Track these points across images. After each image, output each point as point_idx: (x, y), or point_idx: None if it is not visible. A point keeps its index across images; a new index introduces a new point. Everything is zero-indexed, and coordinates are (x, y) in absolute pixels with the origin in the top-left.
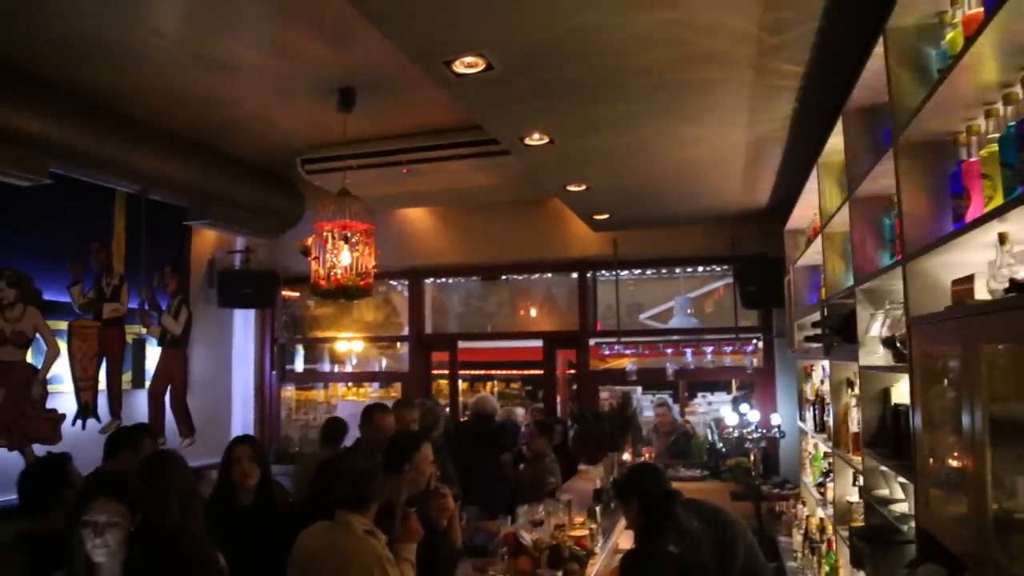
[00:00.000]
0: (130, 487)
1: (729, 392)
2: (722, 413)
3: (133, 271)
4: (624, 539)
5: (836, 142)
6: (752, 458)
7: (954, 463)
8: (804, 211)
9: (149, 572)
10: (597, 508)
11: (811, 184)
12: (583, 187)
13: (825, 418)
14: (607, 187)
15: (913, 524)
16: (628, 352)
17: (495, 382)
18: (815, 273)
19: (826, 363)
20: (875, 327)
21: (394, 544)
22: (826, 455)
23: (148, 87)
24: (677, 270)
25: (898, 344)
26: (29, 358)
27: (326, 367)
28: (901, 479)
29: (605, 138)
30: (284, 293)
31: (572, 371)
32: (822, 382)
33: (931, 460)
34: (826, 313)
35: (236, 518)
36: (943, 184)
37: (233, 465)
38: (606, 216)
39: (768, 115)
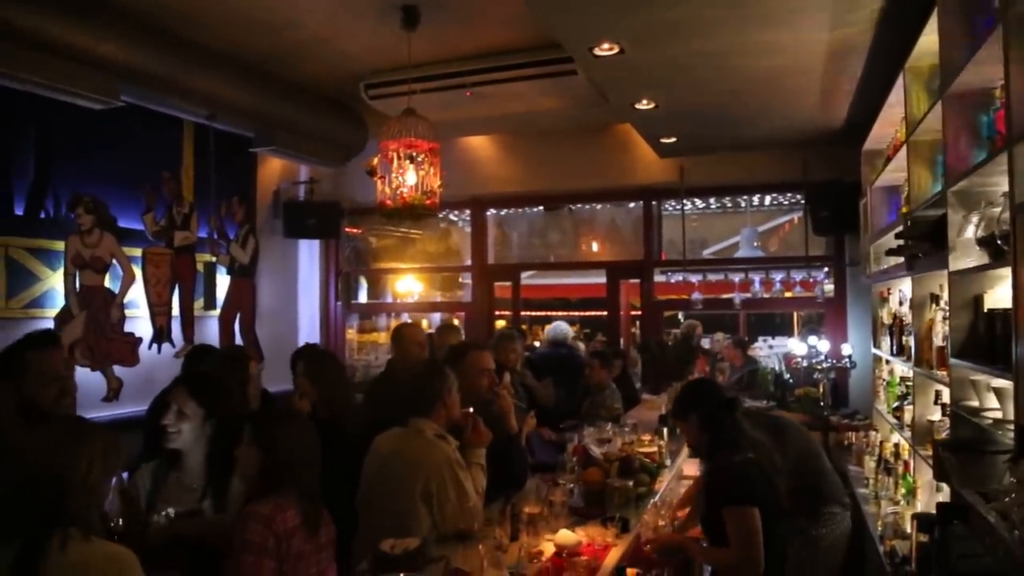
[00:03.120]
0: (210, 388)
1: (791, 336)
2: (789, 344)
3: (202, 201)
4: (688, 466)
5: (928, 41)
6: (821, 388)
7: None
8: (883, 129)
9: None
10: (664, 429)
11: (894, 96)
12: (652, 105)
13: (904, 339)
14: (677, 105)
15: (1009, 428)
16: (694, 280)
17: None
18: (894, 194)
19: (905, 285)
20: (969, 229)
21: (464, 450)
22: (902, 379)
23: (213, 11)
24: (743, 203)
25: (998, 241)
26: (107, 283)
27: (388, 301)
28: (996, 383)
29: (678, 46)
30: (347, 230)
31: (635, 311)
32: (901, 303)
33: None
34: (909, 224)
35: None
36: None
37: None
38: (673, 140)
39: (853, 14)
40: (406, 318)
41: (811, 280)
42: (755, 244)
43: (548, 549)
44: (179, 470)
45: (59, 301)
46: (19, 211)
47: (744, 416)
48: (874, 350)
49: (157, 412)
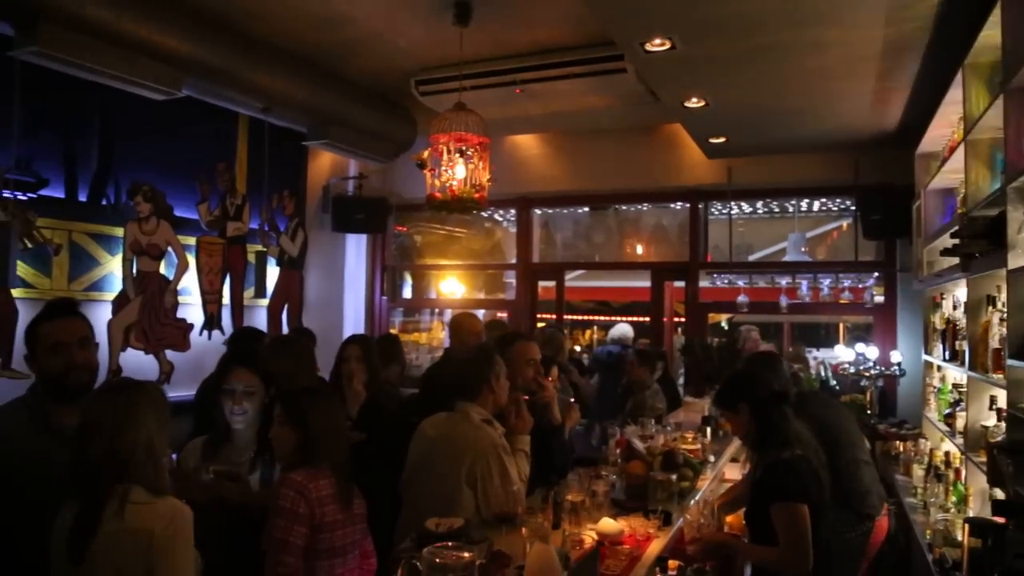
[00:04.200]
0: (264, 360)
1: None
2: (836, 351)
3: (254, 193)
4: (731, 470)
5: (989, 36)
6: (868, 396)
7: None
8: (938, 131)
9: None
10: (707, 428)
11: (952, 94)
12: (702, 103)
13: (958, 343)
14: (726, 103)
15: None
16: (740, 283)
17: (595, 328)
18: (948, 196)
19: (959, 289)
20: None
21: (509, 436)
22: (955, 386)
23: (272, 5)
24: (790, 208)
25: None
26: (162, 269)
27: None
28: None
29: (730, 42)
30: (396, 229)
31: (679, 317)
32: (955, 307)
33: None
34: (966, 223)
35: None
36: None
37: (342, 364)
38: (722, 140)
39: (910, 10)
40: (449, 315)
41: (860, 286)
42: (802, 250)
43: (589, 538)
44: (229, 444)
45: (117, 285)
46: (83, 198)
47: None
48: (925, 356)
49: (206, 395)
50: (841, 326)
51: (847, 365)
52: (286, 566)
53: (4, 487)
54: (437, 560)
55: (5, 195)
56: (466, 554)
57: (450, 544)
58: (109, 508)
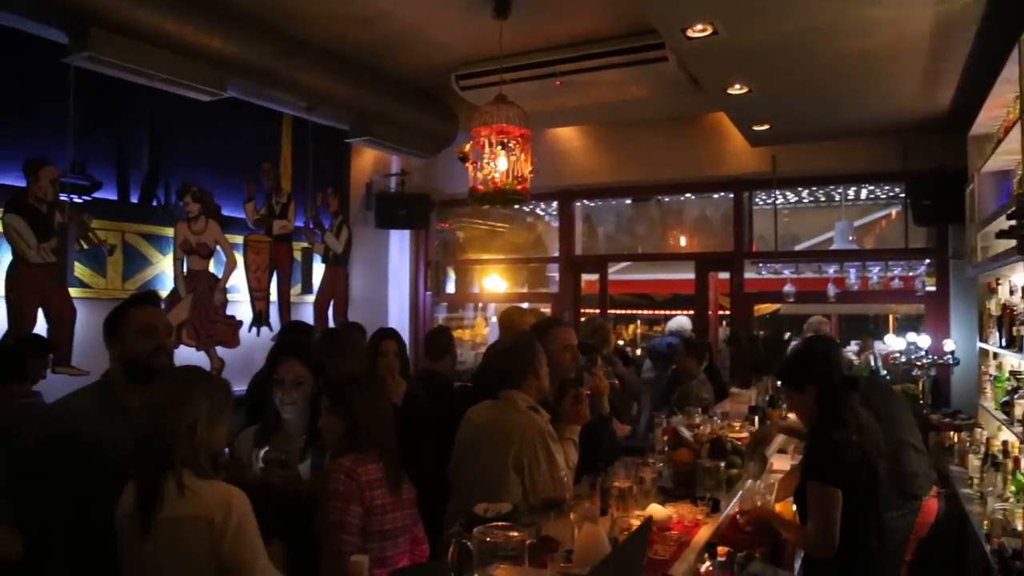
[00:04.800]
0: (312, 351)
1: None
2: (887, 340)
3: (299, 191)
4: (779, 460)
5: None
6: (920, 386)
7: None
8: (992, 111)
9: None
10: (755, 418)
11: (1007, 72)
12: (745, 89)
13: (1015, 329)
14: (770, 89)
15: None
16: (786, 273)
17: (638, 323)
18: (1003, 179)
19: (1016, 274)
20: None
21: (559, 424)
22: (1012, 373)
23: (313, 4)
24: (837, 197)
25: None
26: (211, 268)
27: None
28: None
29: (774, 26)
30: (439, 225)
31: (724, 311)
32: (1011, 292)
33: None
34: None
35: None
36: None
37: (380, 357)
38: (766, 127)
39: None
40: (492, 310)
41: (911, 275)
42: (850, 239)
43: (638, 523)
44: (280, 433)
45: (168, 284)
46: (134, 199)
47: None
48: (980, 344)
49: (258, 388)
50: (891, 318)
51: (898, 354)
52: (349, 544)
53: (84, 464)
54: (487, 539)
55: (62, 198)
56: (516, 534)
57: (500, 524)
58: (166, 490)
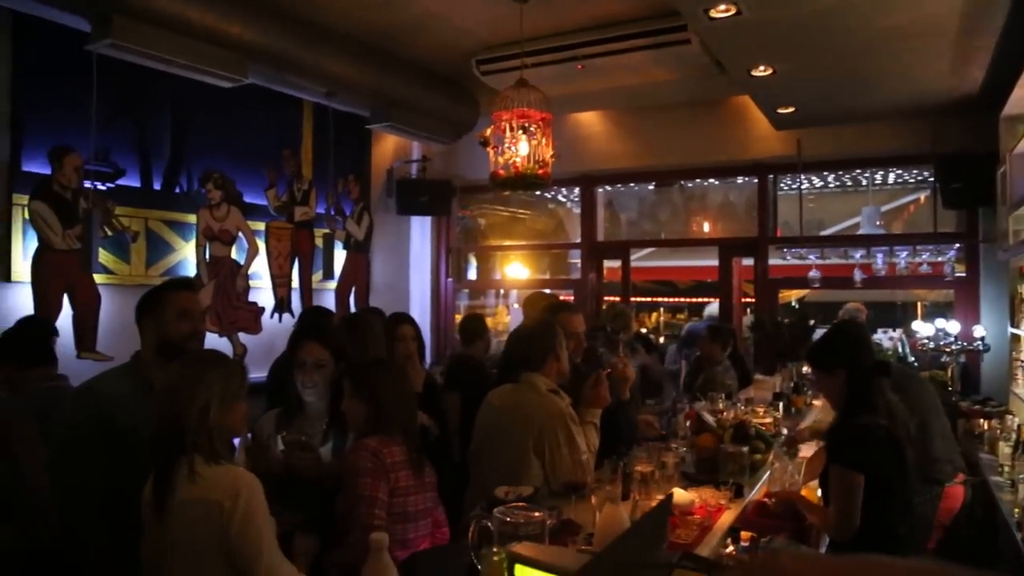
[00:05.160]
0: (333, 335)
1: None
2: (914, 326)
3: (320, 178)
4: (805, 448)
5: None
6: (949, 372)
7: None
8: None
9: None
10: (780, 403)
11: None
12: (769, 71)
13: None
14: (796, 70)
15: None
16: (812, 258)
17: (661, 310)
18: None
19: None
20: None
21: (580, 407)
22: None
23: None
24: (864, 181)
25: None
26: (233, 254)
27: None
28: None
29: (798, 4)
30: (460, 213)
31: (748, 298)
32: None
33: None
34: None
35: None
36: None
37: (398, 343)
38: (791, 110)
39: None
40: (515, 297)
41: (940, 260)
42: (877, 224)
43: None
44: (302, 416)
45: (191, 270)
46: (157, 186)
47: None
48: (1012, 329)
49: (279, 372)
50: (919, 305)
51: (926, 340)
52: (380, 519)
53: (120, 448)
54: (508, 519)
55: (86, 185)
56: (537, 513)
57: (521, 504)
58: (179, 474)
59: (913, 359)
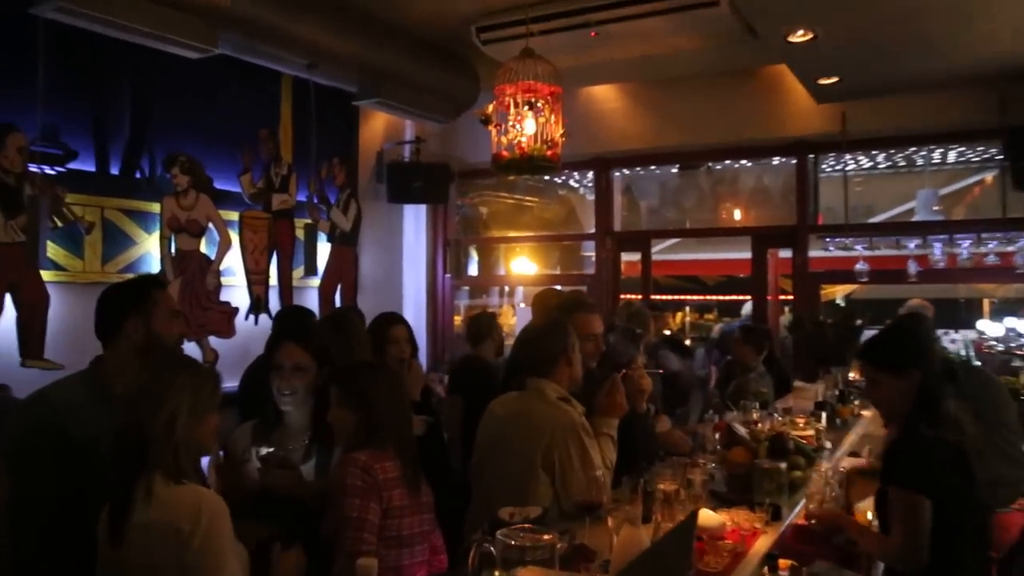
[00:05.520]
0: (316, 336)
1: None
2: (980, 326)
3: (301, 161)
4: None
5: None
6: (1022, 379)
7: None
8: None
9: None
10: (822, 414)
11: None
12: (809, 35)
13: None
14: (839, 33)
15: None
16: (859, 249)
17: (687, 309)
18: None
19: None
20: None
21: (593, 417)
22: None
23: None
24: (919, 160)
25: None
26: (203, 248)
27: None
28: None
29: None
30: (459, 201)
31: (786, 295)
32: None
33: None
34: None
35: None
36: None
37: (390, 346)
38: (834, 80)
39: None
40: (521, 295)
41: (1010, 249)
42: (935, 209)
43: None
44: (281, 429)
45: (154, 266)
46: (115, 171)
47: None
48: None
49: (253, 381)
50: (985, 302)
51: (994, 342)
52: (369, 544)
53: (75, 463)
54: (513, 543)
55: (31, 169)
56: (546, 536)
57: (527, 526)
58: (138, 491)
59: (979, 364)
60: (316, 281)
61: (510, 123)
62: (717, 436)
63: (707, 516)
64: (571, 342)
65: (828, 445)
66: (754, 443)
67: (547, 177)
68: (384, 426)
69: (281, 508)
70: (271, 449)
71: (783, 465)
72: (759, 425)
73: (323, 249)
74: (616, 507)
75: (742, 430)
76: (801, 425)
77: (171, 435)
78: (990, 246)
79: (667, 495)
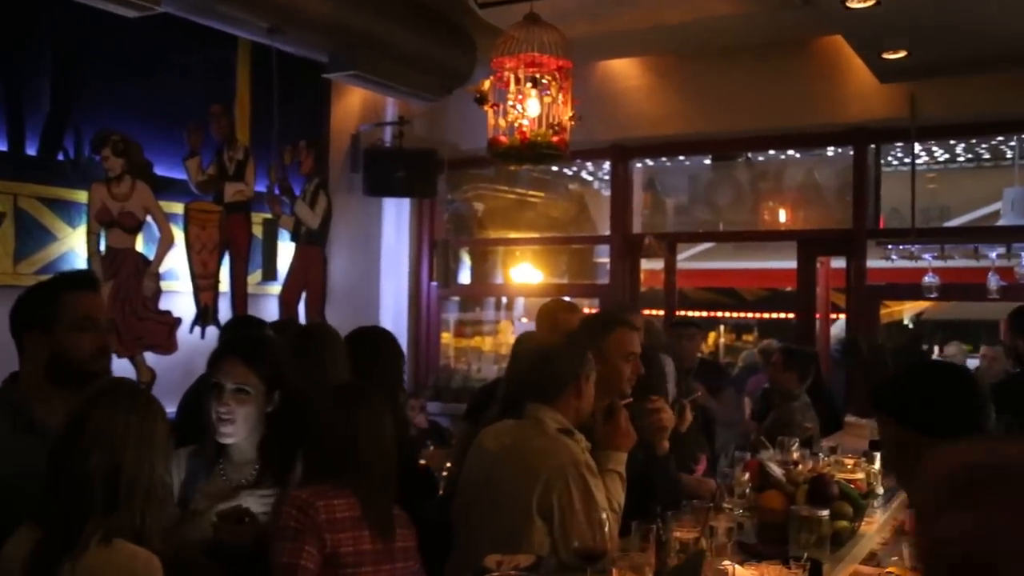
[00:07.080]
0: (270, 354)
1: None
2: None
3: (260, 144)
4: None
5: None
6: None
7: None
8: None
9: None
10: (876, 454)
11: None
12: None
13: None
14: None
15: None
16: (928, 259)
17: (721, 329)
18: None
19: None
20: None
21: (598, 451)
22: None
23: None
24: (1008, 153)
25: None
26: (139, 246)
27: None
28: None
29: None
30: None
31: (837, 314)
32: None
33: None
34: None
35: None
36: None
37: None
38: (902, 54)
39: None
40: (521, 308)
41: None
42: None
43: None
44: (225, 460)
45: (79, 266)
46: (31, 151)
47: None
48: None
49: (190, 406)
50: None
51: None
52: None
53: None
54: None
55: None
56: None
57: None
58: (63, 552)
59: None
60: (276, 288)
61: (510, 103)
62: (747, 477)
63: (734, 572)
64: (586, 370)
65: (880, 491)
66: (791, 486)
67: (554, 168)
68: (339, 458)
69: (234, 554)
70: (235, 503)
71: (824, 513)
72: (799, 466)
73: (285, 249)
74: (623, 556)
75: (777, 471)
76: (850, 467)
77: (154, 484)
78: None
79: (684, 544)
